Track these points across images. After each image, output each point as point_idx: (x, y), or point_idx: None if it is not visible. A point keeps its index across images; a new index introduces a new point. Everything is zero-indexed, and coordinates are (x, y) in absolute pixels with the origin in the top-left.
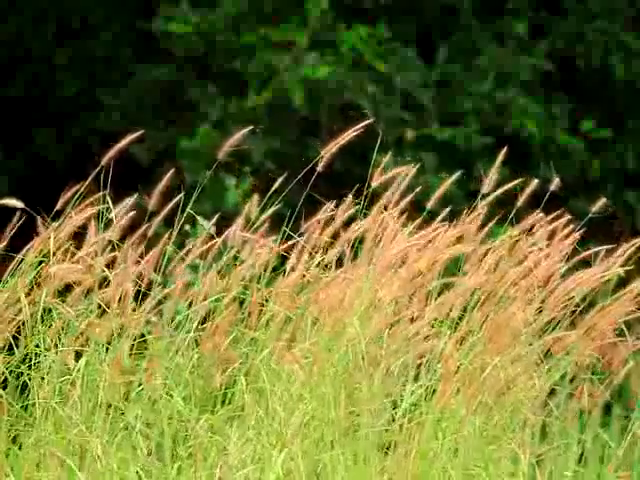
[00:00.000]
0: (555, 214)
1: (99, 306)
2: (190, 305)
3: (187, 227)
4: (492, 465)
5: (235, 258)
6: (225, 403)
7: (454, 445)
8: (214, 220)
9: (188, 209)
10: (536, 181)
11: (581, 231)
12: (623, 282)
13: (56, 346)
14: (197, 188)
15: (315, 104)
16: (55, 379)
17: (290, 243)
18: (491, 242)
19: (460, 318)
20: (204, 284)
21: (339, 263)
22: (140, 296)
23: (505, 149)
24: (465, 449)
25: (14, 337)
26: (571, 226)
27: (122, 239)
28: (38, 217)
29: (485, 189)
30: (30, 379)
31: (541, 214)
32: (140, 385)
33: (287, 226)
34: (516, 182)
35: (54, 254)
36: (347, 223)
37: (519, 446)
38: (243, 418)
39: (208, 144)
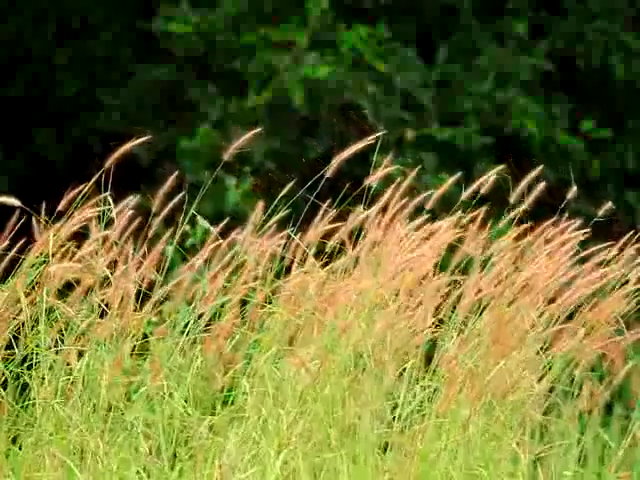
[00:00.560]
0: (557, 217)
1: (100, 306)
2: (193, 307)
3: (187, 227)
4: (492, 465)
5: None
6: (227, 404)
7: (456, 446)
8: (220, 227)
9: (189, 209)
10: (543, 184)
11: (585, 233)
12: (624, 281)
13: (57, 345)
14: (202, 189)
15: (315, 104)
16: (55, 379)
17: (294, 246)
18: (492, 242)
19: (464, 321)
20: (209, 286)
21: (338, 258)
22: (141, 296)
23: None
24: (467, 450)
25: (14, 337)
26: (572, 227)
27: (124, 239)
28: (38, 217)
29: (485, 190)
30: (30, 379)
31: (552, 219)
32: (141, 385)
33: (291, 229)
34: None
35: (54, 254)
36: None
37: (519, 446)
38: (245, 419)
39: (208, 144)
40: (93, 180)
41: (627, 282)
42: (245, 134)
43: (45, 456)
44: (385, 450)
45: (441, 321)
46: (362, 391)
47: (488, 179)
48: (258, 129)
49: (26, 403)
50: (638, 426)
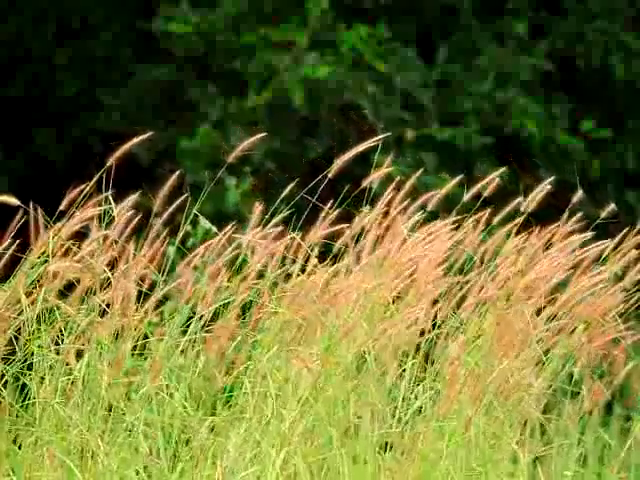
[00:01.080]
0: (560, 219)
1: (100, 306)
2: (193, 307)
3: (188, 227)
4: (492, 465)
5: (243, 260)
6: (228, 405)
7: (456, 447)
8: (223, 229)
9: (188, 209)
10: (548, 187)
11: (588, 234)
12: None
13: (57, 345)
14: (204, 189)
15: (315, 104)
16: (55, 379)
17: (296, 246)
18: (494, 243)
19: (466, 322)
20: (210, 285)
21: (341, 259)
22: (142, 296)
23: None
24: (467, 450)
25: (14, 337)
26: (574, 227)
27: (124, 239)
28: (38, 217)
29: (487, 192)
30: (30, 379)
31: (559, 221)
32: (141, 385)
33: (292, 229)
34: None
35: (55, 254)
36: (348, 220)
37: (519, 446)
38: (246, 420)
39: (208, 144)
40: (94, 179)
41: (622, 278)
42: (246, 135)
43: (45, 456)
44: (386, 450)
45: (443, 322)
46: (363, 391)
47: (491, 181)
48: (263, 133)
49: (26, 403)
50: (638, 427)
